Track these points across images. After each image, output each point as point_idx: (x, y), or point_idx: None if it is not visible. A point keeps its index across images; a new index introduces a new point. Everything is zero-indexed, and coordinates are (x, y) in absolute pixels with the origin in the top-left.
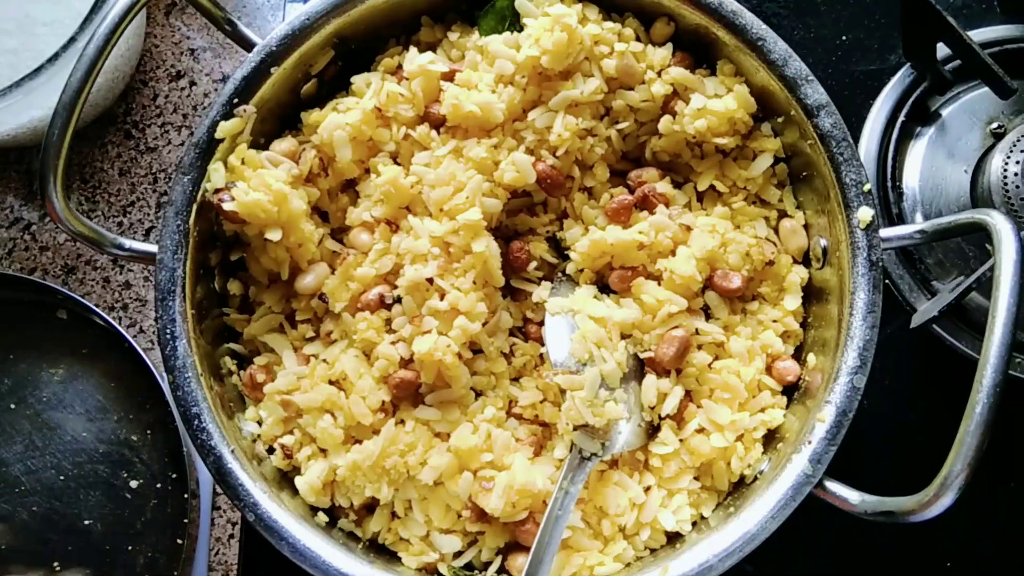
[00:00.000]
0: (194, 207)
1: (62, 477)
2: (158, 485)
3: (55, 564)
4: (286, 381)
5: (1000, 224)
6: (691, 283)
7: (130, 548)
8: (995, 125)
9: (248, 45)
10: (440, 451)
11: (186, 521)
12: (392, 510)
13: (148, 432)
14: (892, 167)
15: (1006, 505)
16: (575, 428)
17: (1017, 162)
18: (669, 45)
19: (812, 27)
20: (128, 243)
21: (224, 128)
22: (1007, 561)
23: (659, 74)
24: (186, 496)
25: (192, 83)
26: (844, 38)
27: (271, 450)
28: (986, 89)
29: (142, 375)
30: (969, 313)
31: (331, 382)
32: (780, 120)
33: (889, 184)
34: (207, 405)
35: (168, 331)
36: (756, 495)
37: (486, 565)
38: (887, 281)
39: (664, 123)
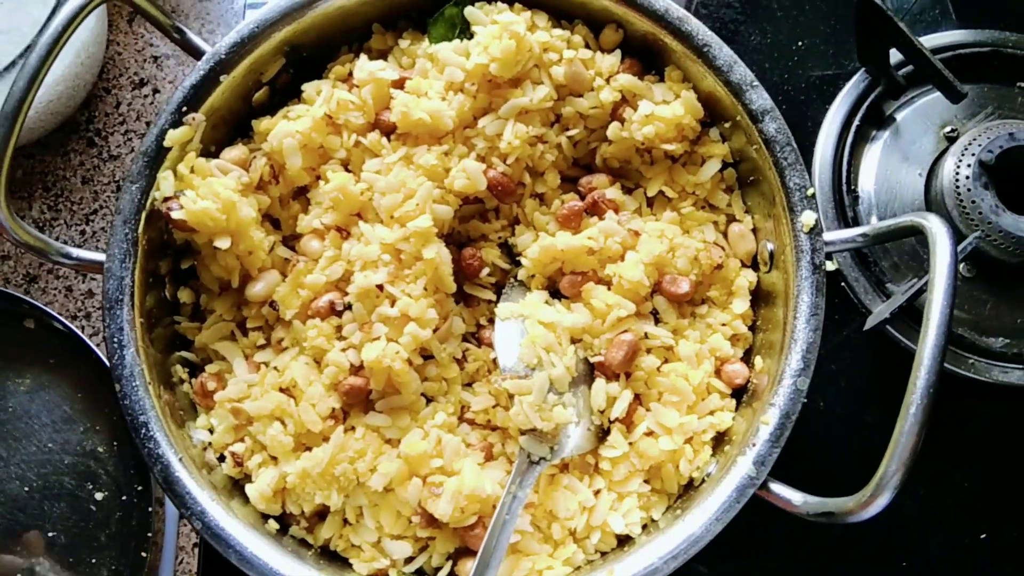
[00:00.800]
0: (143, 216)
1: (27, 488)
2: (123, 497)
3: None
4: (237, 389)
5: (935, 227)
6: (639, 288)
7: (94, 561)
8: (948, 129)
9: (198, 53)
10: (390, 457)
11: (150, 535)
12: (343, 517)
13: (114, 444)
14: (847, 171)
15: (959, 504)
16: (523, 432)
17: (969, 165)
18: (618, 52)
19: (769, 33)
20: (75, 252)
21: (172, 136)
22: (960, 560)
23: (608, 81)
24: (150, 509)
25: (155, 90)
26: (800, 43)
27: (222, 458)
28: (939, 94)
29: (107, 386)
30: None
31: (282, 389)
32: (727, 125)
33: (844, 187)
34: (155, 414)
35: (115, 340)
36: (702, 497)
37: (436, 570)
38: (843, 284)
39: (613, 130)
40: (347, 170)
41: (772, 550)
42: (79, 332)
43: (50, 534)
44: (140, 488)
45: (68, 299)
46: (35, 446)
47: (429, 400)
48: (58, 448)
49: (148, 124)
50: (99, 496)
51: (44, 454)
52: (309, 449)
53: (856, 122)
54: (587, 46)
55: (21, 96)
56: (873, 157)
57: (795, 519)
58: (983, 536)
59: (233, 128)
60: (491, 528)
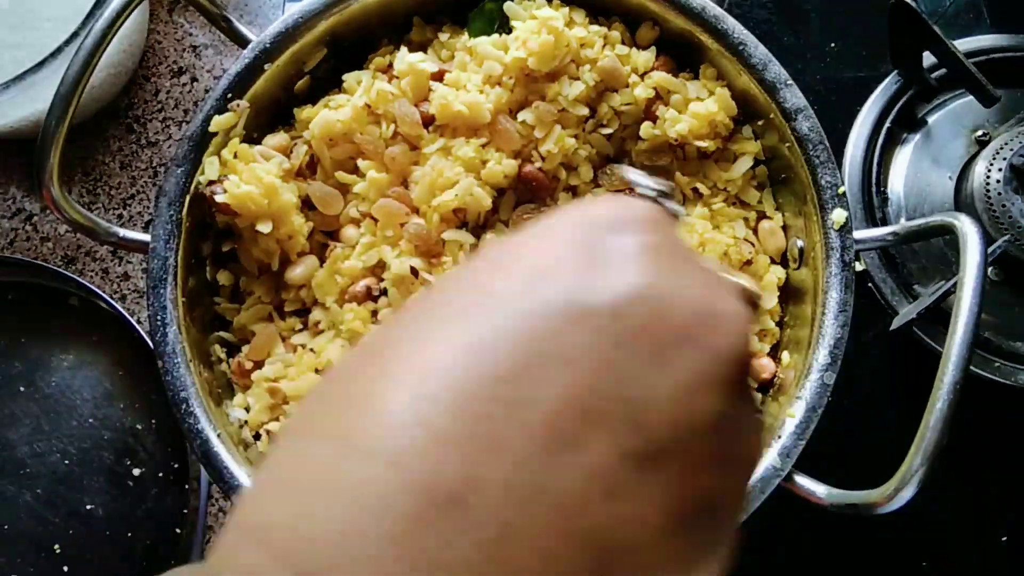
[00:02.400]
0: (187, 198)
1: (67, 462)
2: (160, 474)
3: (55, 547)
4: (273, 369)
5: (966, 227)
6: None
7: (130, 535)
8: (980, 133)
9: (243, 42)
10: None
11: (185, 511)
12: None
13: (152, 422)
14: (878, 172)
15: (981, 506)
16: None
17: (1000, 169)
18: (653, 48)
19: (802, 34)
20: (123, 232)
21: (218, 122)
22: (980, 562)
23: (642, 77)
24: (186, 487)
25: (194, 79)
26: (833, 45)
27: (258, 436)
28: (971, 97)
29: (148, 365)
30: (949, 316)
31: (317, 371)
32: (760, 123)
33: (874, 189)
34: (195, 391)
35: (159, 318)
36: None
37: None
38: (870, 284)
39: (645, 129)
40: None
41: (793, 546)
42: (124, 311)
43: (88, 507)
44: (176, 466)
45: (105, 281)
46: (76, 421)
47: None
48: (98, 424)
49: (186, 112)
50: (137, 472)
51: (85, 429)
52: None
53: (887, 124)
54: (623, 43)
55: (75, 80)
56: (904, 159)
57: (817, 516)
58: (1004, 539)
59: (275, 116)
60: None
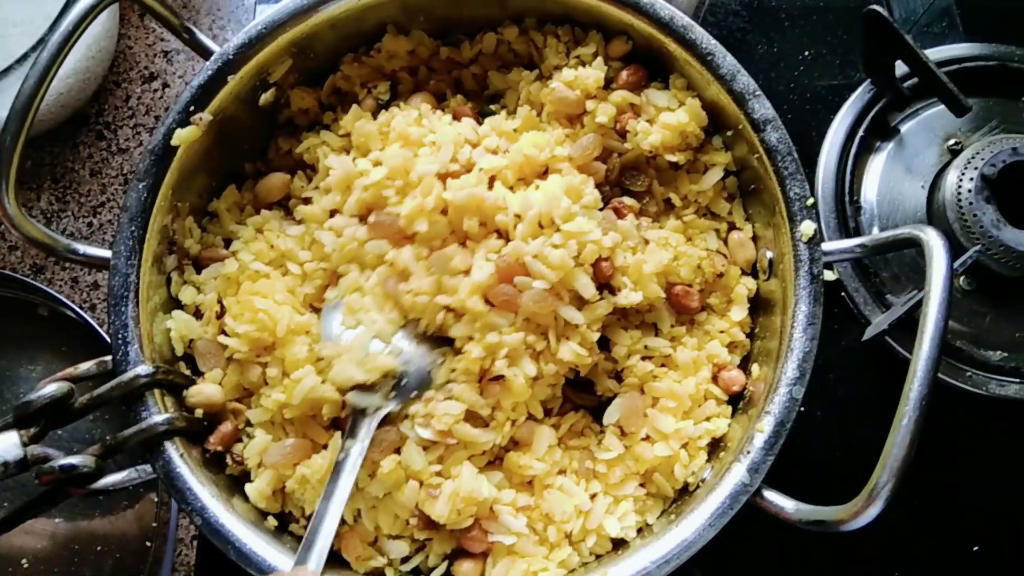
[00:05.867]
0: (151, 213)
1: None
2: (130, 487)
3: (23, 561)
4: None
5: (932, 240)
6: (655, 300)
7: (99, 548)
8: (952, 142)
9: (206, 53)
10: (389, 462)
11: (155, 524)
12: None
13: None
14: (851, 181)
15: (953, 516)
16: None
17: (971, 179)
18: (601, 63)
19: (776, 42)
20: (82, 248)
21: (180, 135)
22: (952, 572)
23: (609, 91)
24: (155, 499)
25: (165, 85)
26: (807, 53)
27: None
28: (944, 106)
29: None
30: None
31: None
32: (730, 134)
33: (847, 198)
34: (158, 410)
35: (120, 336)
36: (696, 503)
37: (431, 570)
38: (843, 294)
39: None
40: None
41: (767, 558)
42: (92, 321)
43: (56, 520)
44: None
45: (74, 290)
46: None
47: None
48: (67, 436)
49: (157, 118)
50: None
51: (54, 441)
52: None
53: (860, 133)
54: (596, 54)
55: (31, 93)
56: (876, 168)
57: (790, 527)
58: (975, 548)
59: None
60: (327, 482)
